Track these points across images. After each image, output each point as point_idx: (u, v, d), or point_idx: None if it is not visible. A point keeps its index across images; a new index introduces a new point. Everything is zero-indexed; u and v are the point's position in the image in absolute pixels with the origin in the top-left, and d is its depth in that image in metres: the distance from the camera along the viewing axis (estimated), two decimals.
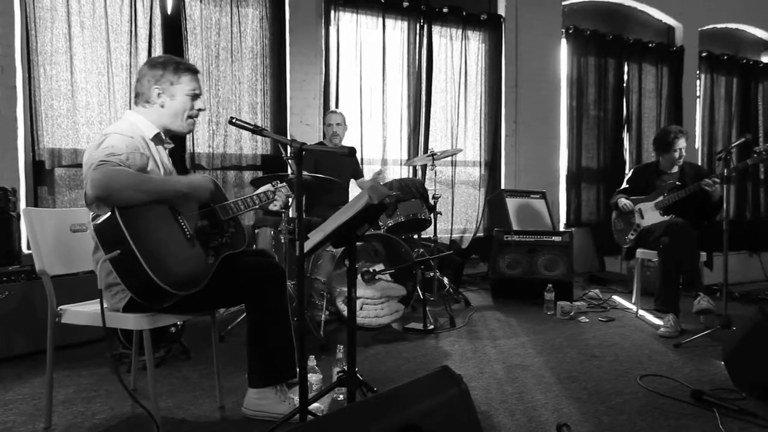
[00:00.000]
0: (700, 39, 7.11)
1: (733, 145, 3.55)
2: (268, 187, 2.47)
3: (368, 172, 5.24)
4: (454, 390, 1.57)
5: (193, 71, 2.24)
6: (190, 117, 2.25)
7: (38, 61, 3.96)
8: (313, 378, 2.47)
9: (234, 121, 2.08)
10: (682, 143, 4.06)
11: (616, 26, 6.67)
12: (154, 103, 2.19)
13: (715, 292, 4.67)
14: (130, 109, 4.16)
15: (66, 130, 4.08)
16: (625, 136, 6.64)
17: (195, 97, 2.24)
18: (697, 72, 7.11)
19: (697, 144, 7.21)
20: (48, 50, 4.00)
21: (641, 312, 4.21)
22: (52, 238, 2.21)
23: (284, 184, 2.50)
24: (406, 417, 1.44)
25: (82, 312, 2.16)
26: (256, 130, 2.10)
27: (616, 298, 4.83)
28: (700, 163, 7.04)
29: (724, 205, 3.52)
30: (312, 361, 2.52)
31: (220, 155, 4.62)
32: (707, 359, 3.13)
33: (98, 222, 1.93)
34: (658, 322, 3.90)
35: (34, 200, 3.99)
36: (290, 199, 2.54)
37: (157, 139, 2.21)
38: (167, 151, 2.31)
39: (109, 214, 1.89)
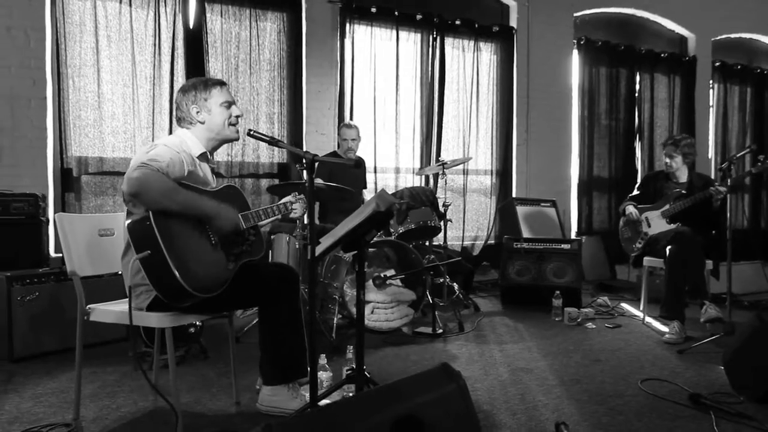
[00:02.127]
0: (713, 49, 7.15)
1: (737, 156, 3.60)
2: (289, 198, 2.62)
3: (381, 180, 5.38)
4: (453, 385, 1.68)
5: (220, 84, 2.41)
6: (231, 125, 2.42)
7: (67, 73, 4.17)
8: (324, 376, 2.59)
9: (252, 132, 2.23)
10: (668, 159, 4.16)
11: (627, 37, 6.74)
12: (196, 122, 2.36)
13: (724, 301, 4.68)
14: (153, 120, 4.42)
15: (92, 139, 4.29)
16: (637, 145, 6.70)
17: (229, 105, 2.41)
18: (710, 81, 7.14)
19: (710, 153, 7.24)
20: (77, 63, 4.21)
21: (648, 319, 4.27)
22: (82, 242, 2.36)
23: (302, 196, 2.65)
24: (407, 408, 1.55)
25: (109, 311, 2.31)
26: (272, 142, 2.26)
27: (625, 305, 4.89)
28: (713, 173, 7.06)
29: (728, 214, 3.57)
30: (323, 360, 2.65)
31: (239, 163, 4.78)
32: (709, 365, 3.19)
33: (132, 221, 2.09)
34: (664, 328, 3.96)
35: (62, 206, 4.18)
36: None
37: (202, 157, 2.39)
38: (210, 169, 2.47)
39: (143, 214, 2.05)
